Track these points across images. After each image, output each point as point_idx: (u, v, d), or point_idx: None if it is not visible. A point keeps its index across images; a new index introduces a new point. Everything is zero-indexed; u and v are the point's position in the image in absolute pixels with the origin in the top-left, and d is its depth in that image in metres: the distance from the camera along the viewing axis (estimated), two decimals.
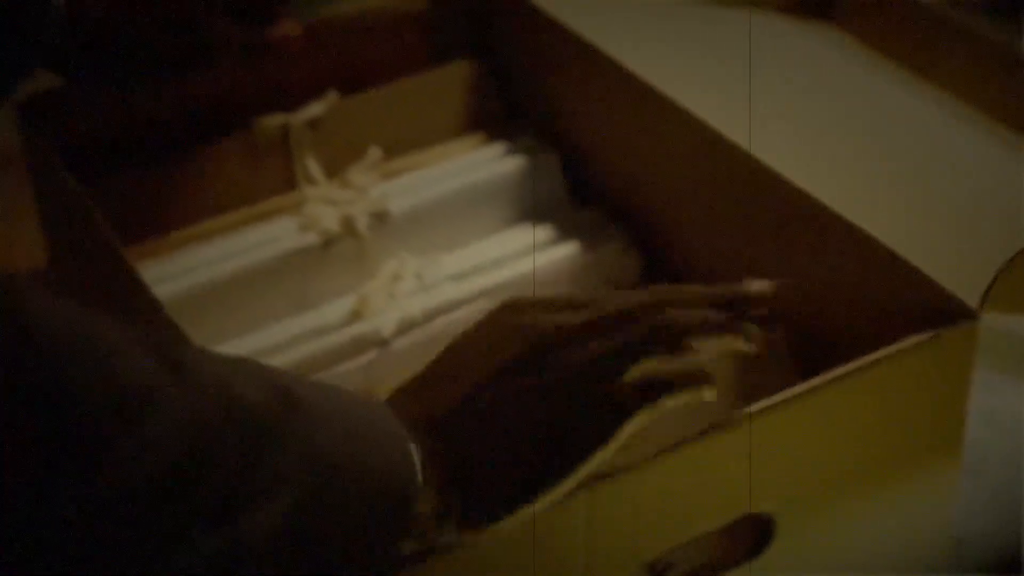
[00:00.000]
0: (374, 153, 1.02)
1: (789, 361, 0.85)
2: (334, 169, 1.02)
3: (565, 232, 0.98)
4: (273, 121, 1.00)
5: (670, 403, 0.61)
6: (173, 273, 0.93)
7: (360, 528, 0.54)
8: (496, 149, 1.04)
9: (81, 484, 0.47)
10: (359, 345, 0.89)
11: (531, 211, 1.01)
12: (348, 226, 0.96)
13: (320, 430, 0.53)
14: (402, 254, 0.96)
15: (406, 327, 0.90)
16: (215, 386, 0.51)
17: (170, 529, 0.49)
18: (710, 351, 0.63)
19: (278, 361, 0.88)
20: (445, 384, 0.61)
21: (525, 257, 0.96)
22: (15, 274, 0.50)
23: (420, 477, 0.57)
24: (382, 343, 0.90)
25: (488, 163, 1.02)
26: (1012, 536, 0.85)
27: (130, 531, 0.48)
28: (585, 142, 1.02)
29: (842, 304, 0.80)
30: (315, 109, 1.01)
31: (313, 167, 1.01)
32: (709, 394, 0.62)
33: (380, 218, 0.97)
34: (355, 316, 0.92)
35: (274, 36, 0.96)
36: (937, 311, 0.72)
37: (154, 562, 0.48)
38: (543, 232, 0.98)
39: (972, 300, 0.72)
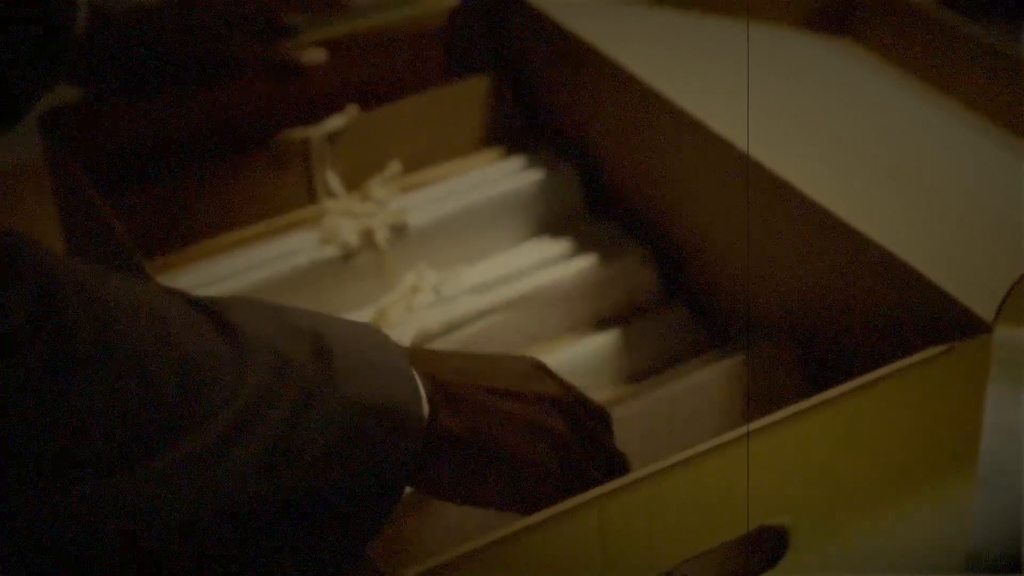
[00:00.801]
0: (394, 166, 1.03)
1: (799, 372, 0.86)
2: (354, 182, 1.03)
3: (583, 245, 0.99)
4: (294, 135, 1.01)
5: None
6: (193, 286, 0.93)
7: (379, 459, 0.60)
8: (514, 162, 1.04)
9: (151, 453, 0.53)
10: None
11: (549, 224, 1.02)
12: (367, 239, 0.97)
13: (348, 377, 0.59)
14: (421, 267, 0.97)
15: (424, 340, 0.91)
16: (262, 348, 0.57)
17: (227, 482, 0.55)
18: None
19: None
20: (463, 368, 0.67)
21: (543, 270, 0.96)
22: (68, 255, 0.53)
23: (427, 412, 0.63)
24: None
25: (506, 176, 1.02)
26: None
27: (189, 493, 0.54)
28: (603, 155, 1.02)
29: (857, 316, 0.81)
30: (335, 123, 1.02)
31: (333, 180, 1.02)
32: None
33: (399, 231, 0.97)
34: None
35: (301, 62, 0.97)
36: (951, 324, 0.73)
37: (201, 511, 0.55)
38: (561, 245, 0.99)
39: (987, 313, 0.72)
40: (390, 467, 0.60)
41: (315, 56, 0.97)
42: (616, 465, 0.70)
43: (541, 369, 0.70)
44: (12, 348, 0.49)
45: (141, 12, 0.94)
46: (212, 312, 0.57)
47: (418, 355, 0.66)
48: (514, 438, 0.66)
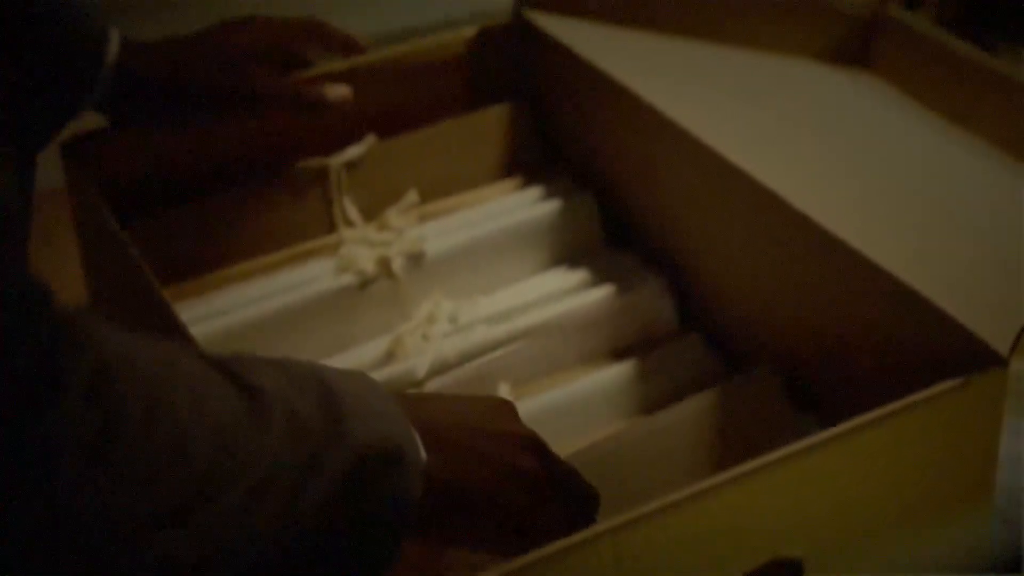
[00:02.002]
0: (411, 196, 1.03)
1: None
2: (372, 211, 1.03)
3: (601, 275, 0.99)
4: (312, 163, 1.02)
5: None
6: (210, 313, 0.94)
7: (386, 498, 0.62)
8: (533, 192, 1.04)
9: (185, 516, 0.55)
10: (393, 386, 0.90)
11: (566, 254, 1.02)
12: (384, 267, 0.97)
13: (354, 422, 0.61)
14: (437, 296, 0.97)
15: (440, 369, 0.91)
16: (278, 405, 0.59)
17: (254, 535, 0.57)
18: None
19: None
20: (442, 409, 0.69)
21: (559, 300, 0.96)
22: (84, 309, 0.54)
23: (423, 452, 0.64)
24: (416, 384, 0.90)
25: (524, 206, 1.03)
26: None
27: (219, 549, 0.56)
28: (622, 186, 1.02)
29: (872, 348, 0.81)
30: (354, 152, 1.02)
31: (351, 209, 1.02)
32: None
33: (416, 260, 0.98)
34: (390, 357, 0.93)
35: (325, 97, 0.97)
36: (966, 357, 0.73)
37: (228, 566, 0.57)
38: (578, 275, 0.99)
39: (1002, 347, 0.72)
40: (396, 505, 0.62)
41: (340, 92, 0.98)
42: (590, 502, 0.70)
43: (510, 409, 0.72)
44: (70, 416, 0.52)
45: (169, 45, 0.95)
46: (231, 372, 0.60)
47: (402, 399, 0.67)
48: (494, 478, 0.67)
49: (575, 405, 0.90)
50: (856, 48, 1.06)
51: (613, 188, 1.03)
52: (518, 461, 0.68)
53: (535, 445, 0.69)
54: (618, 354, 0.95)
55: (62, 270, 1.06)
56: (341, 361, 0.92)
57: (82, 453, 0.52)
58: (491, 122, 1.07)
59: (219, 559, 0.57)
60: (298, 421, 0.60)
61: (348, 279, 0.96)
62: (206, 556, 0.56)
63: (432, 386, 0.90)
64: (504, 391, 0.91)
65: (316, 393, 0.61)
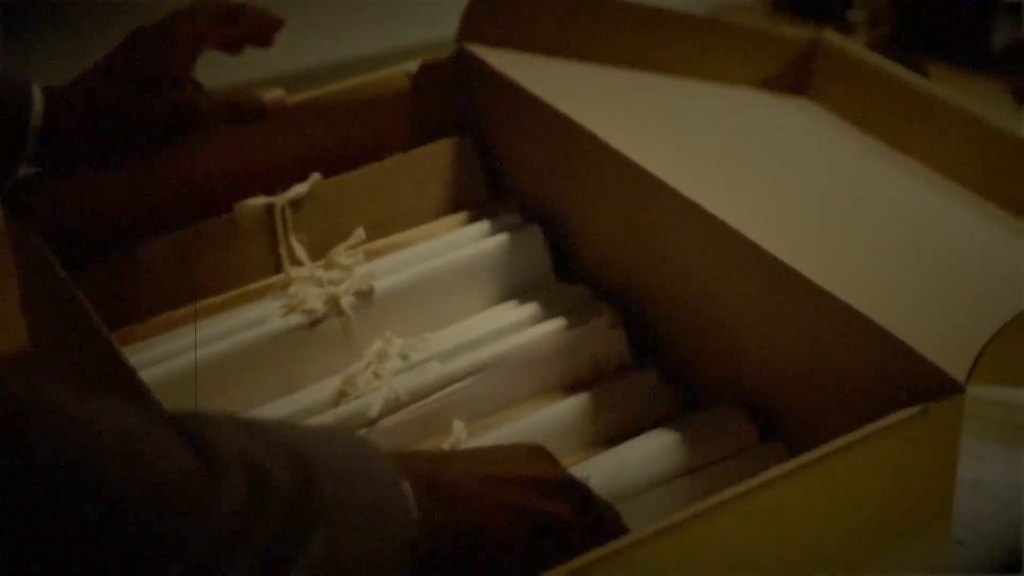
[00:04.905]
0: (359, 233, 1.02)
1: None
2: (319, 250, 1.02)
3: (551, 309, 0.98)
4: (257, 203, 1.01)
5: None
6: (159, 357, 0.93)
7: (370, 569, 0.59)
8: (480, 227, 1.04)
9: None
10: (346, 426, 0.89)
11: (516, 288, 1.02)
12: (334, 306, 0.96)
13: (330, 489, 0.58)
14: (387, 334, 0.96)
15: (393, 407, 0.90)
16: (238, 465, 0.56)
17: None
18: None
19: None
20: (459, 460, 0.67)
21: (511, 335, 0.96)
22: (18, 373, 0.52)
23: (416, 513, 0.62)
24: (369, 423, 0.89)
25: (472, 241, 1.02)
26: None
27: None
28: (569, 217, 1.02)
29: (829, 378, 0.81)
30: (298, 190, 1.02)
31: (298, 248, 1.02)
32: None
33: (365, 297, 0.97)
34: (341, 396, 0.92)
35: (264, 101, 0.97)
36: (924, 385, 0.73)
37: None
38: (528, 309, 0.99)
39: (959, 374, 0.72)
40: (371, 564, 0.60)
41: (276, 95, 0.97)
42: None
43: (543, 454, 0.70)
44: None
45: (91, 85, 0.93)
46: (185, 429, 0.57)
47: (409, 457, 0.65)
48: (512, 526, 0.65)
49: (530, 440, 0.89)
50: (795, 76, 1.07)
51: (561, 220, 1.03)
52: (546, 506, 0.66)
53: (570, 488, 0.68)
54: (572, 388, 0.95)
55: (2, 319, 1.05)
56: (293, 401, 0.92)
57: None
58: (436, 157, 1.07)
59: None
60: (265, 481, 0.57)
61: (297, 319, 0.95)
62: None
63: (385, 425, 0.89)
64: (458, 428, 0.90)
65: (286, 454, 0.59)
